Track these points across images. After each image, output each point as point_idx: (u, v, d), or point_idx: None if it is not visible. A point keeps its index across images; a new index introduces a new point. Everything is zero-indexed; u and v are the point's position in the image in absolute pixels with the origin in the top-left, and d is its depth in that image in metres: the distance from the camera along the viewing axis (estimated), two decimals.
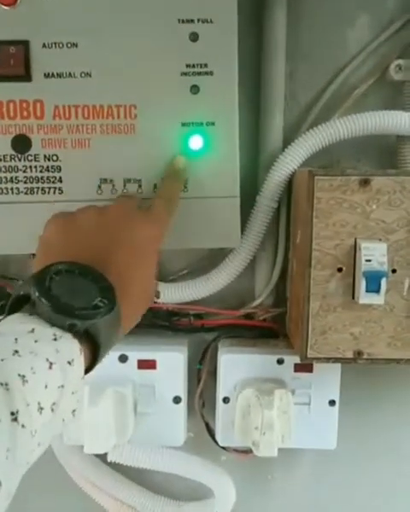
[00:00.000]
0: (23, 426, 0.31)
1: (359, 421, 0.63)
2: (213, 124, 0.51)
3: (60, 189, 0.51)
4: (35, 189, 0.51)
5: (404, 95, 0.55)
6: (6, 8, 0.48)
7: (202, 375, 0.61)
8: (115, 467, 0.62)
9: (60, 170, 0.51)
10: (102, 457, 0.60)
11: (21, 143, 0.50)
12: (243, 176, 0.53)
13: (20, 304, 0.37)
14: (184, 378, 0.58)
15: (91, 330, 0.36)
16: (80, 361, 0.35)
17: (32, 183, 0.51)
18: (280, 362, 0.57)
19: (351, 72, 0.57)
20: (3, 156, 0.50)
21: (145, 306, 0.45)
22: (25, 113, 0.49)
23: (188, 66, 0.50)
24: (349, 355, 0.50)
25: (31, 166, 0.50)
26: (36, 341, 0.33)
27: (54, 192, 0.51)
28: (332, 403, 0.57)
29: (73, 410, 0.36)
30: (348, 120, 0.52)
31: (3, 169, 0.50)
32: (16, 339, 0.33)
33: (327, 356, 0.50)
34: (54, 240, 0.42)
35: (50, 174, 0.51)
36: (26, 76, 0.49)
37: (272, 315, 0.61)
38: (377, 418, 0.63)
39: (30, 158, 0.50)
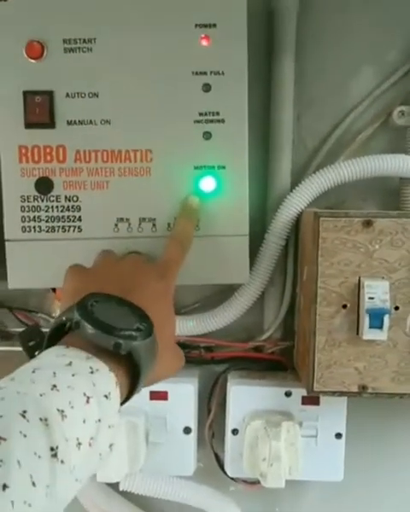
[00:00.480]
0: (62, 462, 0.30)
1: (365, 454, 0.64)
2: (224, 167, 0.54)
3: (79, 227, 0.54)
4: (56, 228, 0.54)
5: (407, 139, 0.58)
6: (33, 61, 0.52)
7: (211, 406, 0.62)
8: (126, 495, 0.63)
9: (79, 209, 0.54)
10: (114, 486, 0.62)
11: (44, 185, 0.53)
12: (253, 215, 0.56)
13: (58, 335, 0.39)
14: (194, 409, 0.60)
15: (133, 353, 0.37)
16: (117, 394, 0.36)
17: (53, 221, 0.54)
18: (288, 394, 0.59)
19: (356, 118, 0.60)
20: (27, 197, 0.53)
21: (172, 355, 0.46)
22: (48, 158, 0.53)
23: (201, 114, 0.53)
24: (354, 389, 0.52)
25: (52, 206, 0.54)
26: (73, 375, 0.34)
27: (74, 230, 0.54)
28: (339, 436, 0.58)
29: (111, 445, 0.36)
30: (352, 163, 0.55)
31: (27, 209, 0.53)
32: (54, 373, 0.34)
33: (333, 389, 0.52)
34: (77, 286, 0.44)
35: (71, 213, 0.54)
36: (50, 123, 0.52)
37: (281, 348, 0.63)
38: (384, 451, 0.64)
39: (52, 199, 0.53)
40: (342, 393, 0.52)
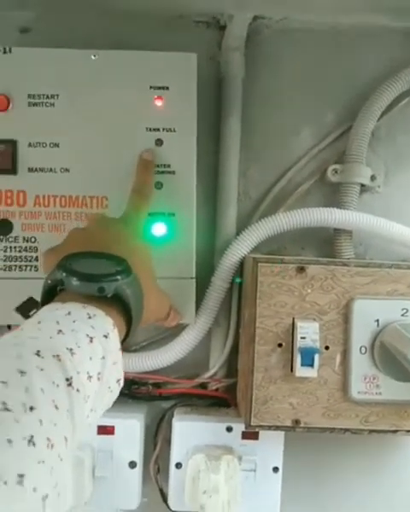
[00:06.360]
0: (78, 390, 0.35)
1: (301, 487, 0.67)
2: (173, 215, 0.58)
3: (35, 266, 0.57)
4: (13, 267, 0.57)
5: (339, 194, 0.64)
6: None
7: (157, 441, 0.65)
8: None
9: (36, 250, 0.57)
10: None
11: (4, 227, 0.57)
12: (201, 259, 0.60)
13: (50, 299, 0.43)
14: (140, 444, 0.62)
15: (119, 292, 0.42)
16: (115, 334, 0.41)
17: (10, 261, 0.57)
18: (229, 429, 0.62)
19: (295, 173, 0.66)
20: None
21: (156, 297, 0.51)
22: (9, 201, 0.57)
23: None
24: (288, 423, 0.56)
25: (11, 247, 0.57)
26: (74, 321, 0.39)
27: (30, 269, 0.57)
28: (276, 469, 0.61)
29: (118, 380, 0.41)
30: (290, 214, 0.61)
31: None
32: (58, 321, 0.38)
33: (269, 424, 0.56)
34: (53, 260, 0.47)
35: (28, 254, 0.57)
36: (12, 170, 0.56)
37: (225, 385, 0.66)
38: (319, 483, 0.67)
39: (11, 239, 0.57)
40: (277, 428, 0.56)
